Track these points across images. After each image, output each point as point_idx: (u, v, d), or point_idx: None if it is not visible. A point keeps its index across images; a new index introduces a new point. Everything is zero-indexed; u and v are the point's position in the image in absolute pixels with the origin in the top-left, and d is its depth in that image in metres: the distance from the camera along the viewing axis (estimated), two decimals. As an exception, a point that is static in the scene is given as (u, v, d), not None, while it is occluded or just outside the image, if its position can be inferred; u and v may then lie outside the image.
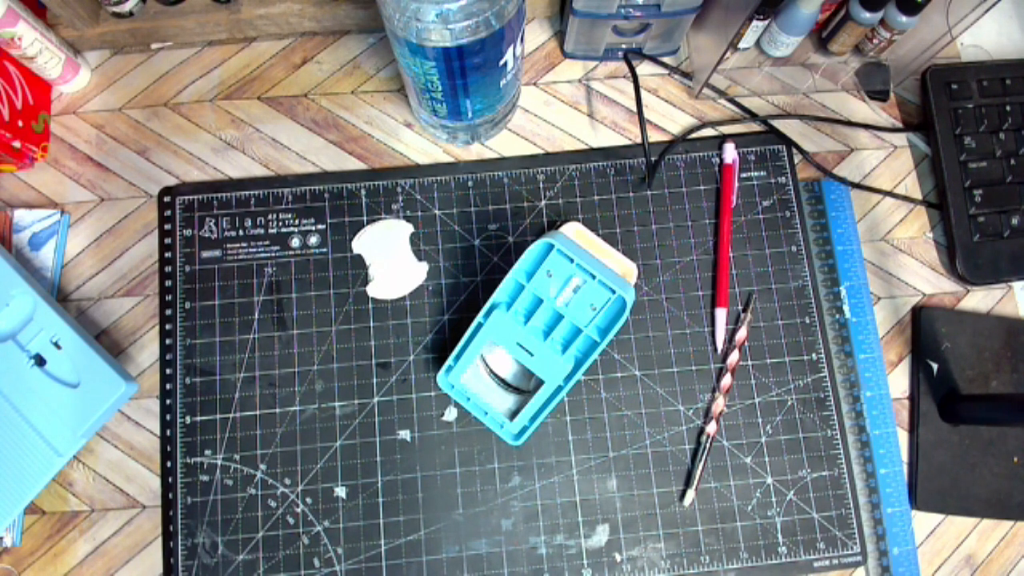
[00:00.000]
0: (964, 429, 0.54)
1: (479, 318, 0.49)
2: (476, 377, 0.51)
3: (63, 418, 0.50)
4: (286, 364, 0.53)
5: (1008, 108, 0.57)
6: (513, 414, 0.50)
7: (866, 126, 0.59)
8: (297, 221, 0.55)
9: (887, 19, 0.54)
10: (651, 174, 0.56)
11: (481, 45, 0.42)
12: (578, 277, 0.47)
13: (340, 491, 0.51)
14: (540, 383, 0.48)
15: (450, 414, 0.53)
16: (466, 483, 0.52)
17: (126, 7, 0.56)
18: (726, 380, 0.53)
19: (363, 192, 0.56)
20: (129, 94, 0.59)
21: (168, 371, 0.53)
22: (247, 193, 0.56)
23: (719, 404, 0.53)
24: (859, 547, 0.51)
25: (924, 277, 0.57)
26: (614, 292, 0.46)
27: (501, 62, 0.46)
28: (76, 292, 0.55)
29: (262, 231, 0.55)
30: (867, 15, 0.54)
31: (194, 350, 0.53)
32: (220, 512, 0.51)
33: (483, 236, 0.56)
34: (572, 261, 0.47)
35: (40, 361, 0.51)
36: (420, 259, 0.55)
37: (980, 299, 0.57)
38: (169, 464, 0.51)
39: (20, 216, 0.55)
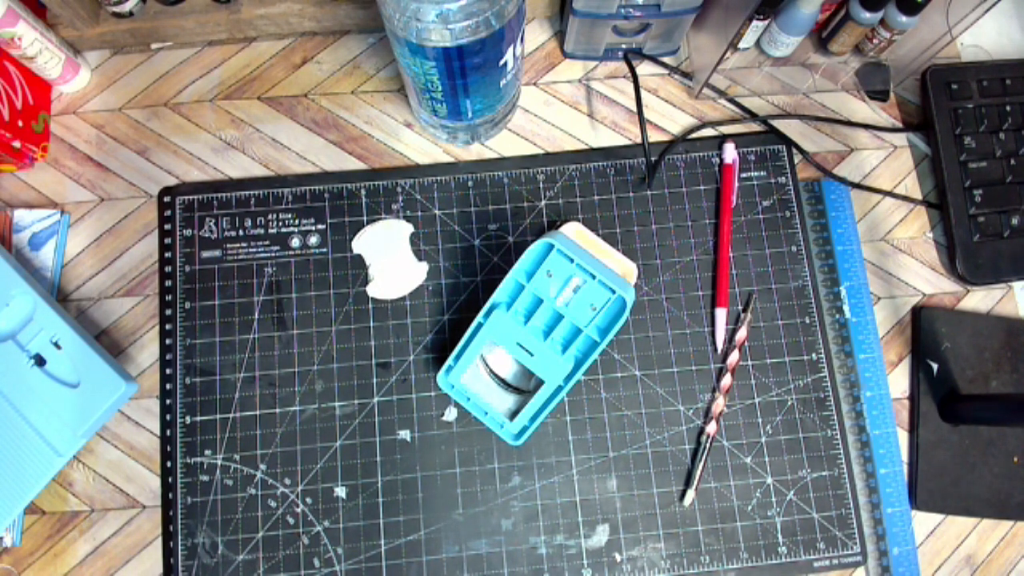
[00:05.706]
0: (964, 429, 0.54)
1: (479, 318, 0.49)
2: (476, 377, 0.51)
3: (63, 418, 0.50)
4: (286, 364, 0.53)
5: (1008, 108, 0.57)
6: (513, 414, 0.50)
7: (866, 126, 0.59)
8: (297, 221, 0.55)
9: (887, 19, 0.54)
10: (651, 174, 0.56)
11: (481, 45, 0.42)
12: (578, 277, 0.47)
13: (340, 491, 0.51)
14: (540, 383, 0.48)
15: (450, 414, 0.53)
16: (466, 483, 0.52)
17: (126, 7, 0.56)
18: (726, 380, 0.53)
19: (363, 192, 0.56)
20: (129, 94, 0.59)
21: (168, 371, 0.53)
22: (247, 193, 0.56)
23: (719, 404, 0.53)
24: (859, 547, 0.51)
25: (924, 277, 0.57)
26: (614, 292, 0.46)
27: (501, 62, 0.46)
28: (76, 292, 0.55)
29: (262, 231, 0.55)
30: (867, 15, 0.54)
31: (194, 350, 0.53)
32: (220, 512, 0.51)
33: (483, 236, 0.56)
34: (572, 261, 0.47)
35: (40, 361, 0.51)
36: (420, 259, 0.55)
37: (980, 299, 0.57)
38: (169, 464, 0.51)
39: (20, 216, 0.55)
